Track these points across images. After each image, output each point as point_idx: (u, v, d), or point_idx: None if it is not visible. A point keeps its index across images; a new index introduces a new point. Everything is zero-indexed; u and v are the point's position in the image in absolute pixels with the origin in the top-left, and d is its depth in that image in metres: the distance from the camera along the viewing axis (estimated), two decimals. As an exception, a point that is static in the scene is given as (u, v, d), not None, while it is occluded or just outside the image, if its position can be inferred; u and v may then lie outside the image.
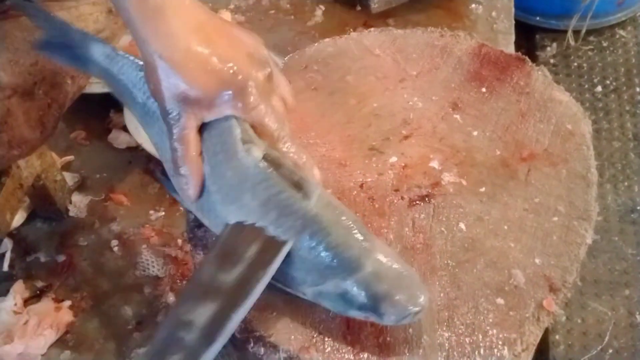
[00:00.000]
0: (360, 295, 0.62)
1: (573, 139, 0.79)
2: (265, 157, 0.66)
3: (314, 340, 0.66)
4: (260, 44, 0.70)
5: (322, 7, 1.51)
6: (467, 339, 0.66)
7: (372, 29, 0.90)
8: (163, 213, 1.35)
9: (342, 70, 0.87)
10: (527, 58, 0.86)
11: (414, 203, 0.75)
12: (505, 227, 0.73)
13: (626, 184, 1.55)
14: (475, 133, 0.80)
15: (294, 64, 0.87)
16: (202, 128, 0.69)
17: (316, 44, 0.89)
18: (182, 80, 0.64)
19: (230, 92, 0.66)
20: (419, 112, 0.82)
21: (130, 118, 1.33)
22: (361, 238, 0.64)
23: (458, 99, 0.83)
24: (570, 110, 0.81)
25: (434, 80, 0.85)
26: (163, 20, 0.64)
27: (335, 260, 0.63)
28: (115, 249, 1.31)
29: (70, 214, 1.34)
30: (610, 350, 1.25)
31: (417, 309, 0.62)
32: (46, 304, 1.21)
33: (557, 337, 1.27)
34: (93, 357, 1.19)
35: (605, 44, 1.83)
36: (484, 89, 0.84)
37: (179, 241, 1.30)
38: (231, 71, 0.65)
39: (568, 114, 0.81)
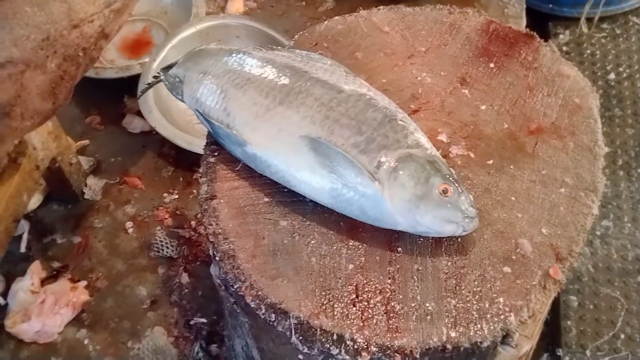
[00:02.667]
0: (447, 170, 0.71)
1: (580, 112, 0.79)
2: None
3: (324, 307, 0.68)
4: None
5: (334, -7, 1.52)
6: (474, 306, 0.67)
7: (381, 6, 0.91)
8: (177, 196, 1.37)
9: (351, 47, 0.88)
10: (535, 34, 0.86)
11: (423, 175, 0.76)
12: (513, 198, 0.74)
13: (639, 171, 1.54)
14: (483, 107, 0.81)
15: (304, 41, 0.89)
16: None
17: (326, 22, 0.90)
18: None
19: None
20: (428, 87, 0.83)
21: (144, 103, 1.35)
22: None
23: (466, 74, 0.84)
24: (577, 84, 0.82)
25: (443, 56, 0.86)
26: None
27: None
28: (130, 230, 1.33)
29: (86, 196, 1.36)
30: (622, 336, 1.24)
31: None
32: (62, 284, 1.24)
33: (569, 323, 1.27)
34: (108, 335, 1.21)
35: (618, 31, 1.81)
36: (492, 65, 0.84)
37: (193, 223, 1.32)
38: None
39: (576, 88, 0.81)
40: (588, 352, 1.22)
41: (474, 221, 0.69)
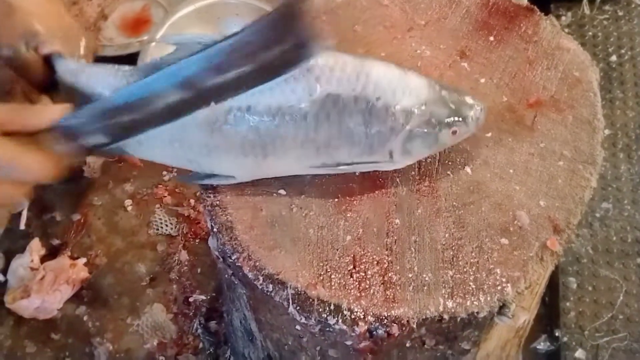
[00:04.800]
0: (444, 109, 0.68)
1: (580, 85, 0.79)
2: None
3: (321, 277, 0.68)
4: None
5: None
6: (471, 277, 0.67)
7: (381, -21, 0.90)
8: (176, 174, 1.37)
9: (350, 20, 0.87)
10: (535, 7, 0.86)
11: (421, 148, 0.76)
12: (511, 171, 0.74)
13: (639, 153, 1.53)
14: (482, 80, 0.80)
15: (303, 15, 0.88)
16: None
17: (325, -5, 0.89)
18: None
19: None
20: (427, 60, 0.82)
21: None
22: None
23: (466, 48, 0.83)
24: (577, 57, 0.81)
25: (442, 29, 0.85)
26: None
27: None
28: (129, 208, 1.33)
29: (85, 174, 1.36)
30: (621, 317, 1.24)
31: (481, 103, 0.71)
32: (62, 261, 1.24)
33: (567, 304, 1.27)
34: (107, 312, 1.22)
35: (620, 13, 1.80)
36: (491, 38, 0.84)
37: (192, 201, 1.32)
38: None
39: (575, 62, 0.81)
40: (586, 333, 1.22)
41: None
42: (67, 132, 0.66)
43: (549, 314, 1.28)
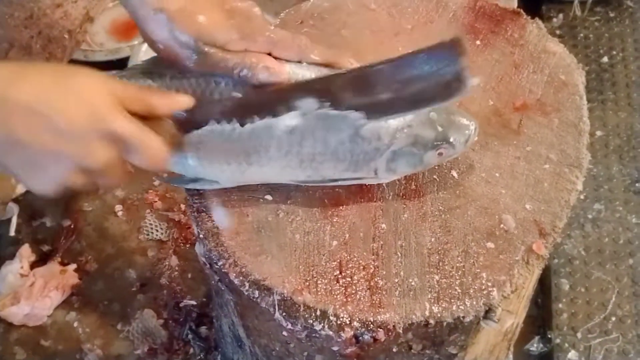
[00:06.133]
0: (430, 131, 0.68)
1: (566, 89, 0.79)
2: None
3: (307, 283, 0.68)
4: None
5: (324, -24, 1.51)
6: (457, 281, 0.67)
7: (367, -16, 0.90)
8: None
9: (337, 24, 0.87)
10: (522, 11, 0.86)
11: (407, 152, 0.76)
12: (497, 175, 0.74)
13: (631, 154, 1.53)
14: (468, 84, 0.80)
15: (289, 19, 0.88)
16: None
17: (312, 0, 0.89)
18: None
19: None
20: (413, 64, 0.82)
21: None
22: None
23: (452, 52, 0.83)
24: (563, 61, 0.82)
25: (429, 33, 0.85)
26: None
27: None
28: (120, 213, 1.33)
29: (75, 180, 1.36)
30: (613, 319, 1.24)
31: (474, 124, 0.69)
32: (52, 267, 1.23)
33: (560, 305, 1.27)
34: (98, 318, 1.22)
35: (612, 15, 1.80)
36: (478, 42, 0.84)
37: (182, 206, 1.32)
38: None
39: (561, 65, 0.81)
40: (579, 335, 1.22)
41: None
42: (185, 123, 0.67)
43: (542, 315, 1.28)
